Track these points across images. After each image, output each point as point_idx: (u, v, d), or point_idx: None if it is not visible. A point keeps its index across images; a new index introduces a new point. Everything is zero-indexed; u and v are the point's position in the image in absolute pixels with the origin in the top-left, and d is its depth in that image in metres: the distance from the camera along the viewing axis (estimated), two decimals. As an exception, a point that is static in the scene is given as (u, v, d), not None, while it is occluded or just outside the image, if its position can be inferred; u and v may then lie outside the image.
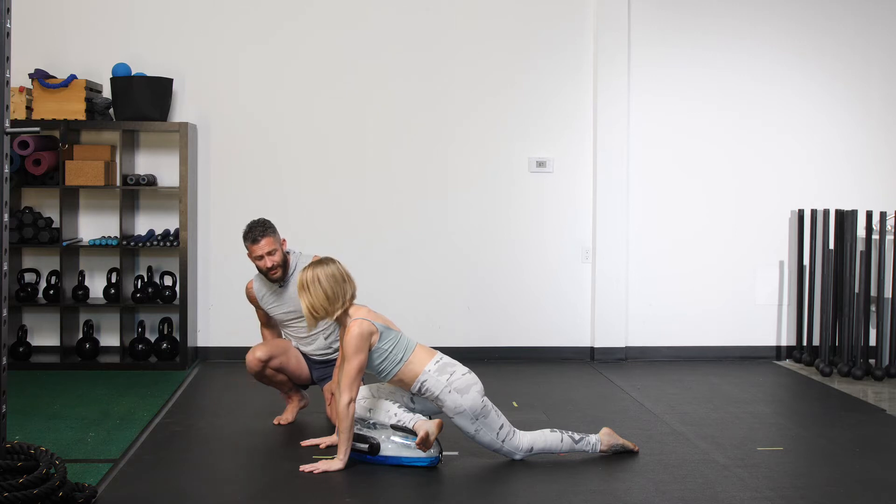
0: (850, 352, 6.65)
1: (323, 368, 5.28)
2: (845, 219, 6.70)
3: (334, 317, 4.44)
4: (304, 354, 5.29)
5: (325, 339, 5.23)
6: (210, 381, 6.37)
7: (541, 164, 7.11)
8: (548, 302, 7.15)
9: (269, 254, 5.06)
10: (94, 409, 5.58)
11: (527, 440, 4.56)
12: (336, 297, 4.41)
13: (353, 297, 4.46)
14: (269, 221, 5.14)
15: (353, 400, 4.34)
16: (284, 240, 5.20)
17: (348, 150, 7.03)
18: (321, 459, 4.45)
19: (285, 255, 5.15)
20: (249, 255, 5.13)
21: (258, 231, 5.07)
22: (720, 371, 6.81)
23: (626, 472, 4.46)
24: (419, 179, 7.06)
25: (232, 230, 6.92)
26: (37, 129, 4.03)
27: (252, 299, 5.28)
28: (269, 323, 5.34)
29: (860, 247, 6.70)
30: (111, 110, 6.79)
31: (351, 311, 4.46)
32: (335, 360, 5.24)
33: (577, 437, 4.62)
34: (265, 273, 5.11)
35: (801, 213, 7.15)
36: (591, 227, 7.14)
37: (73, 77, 6.58)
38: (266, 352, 5.16)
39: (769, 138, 7.25)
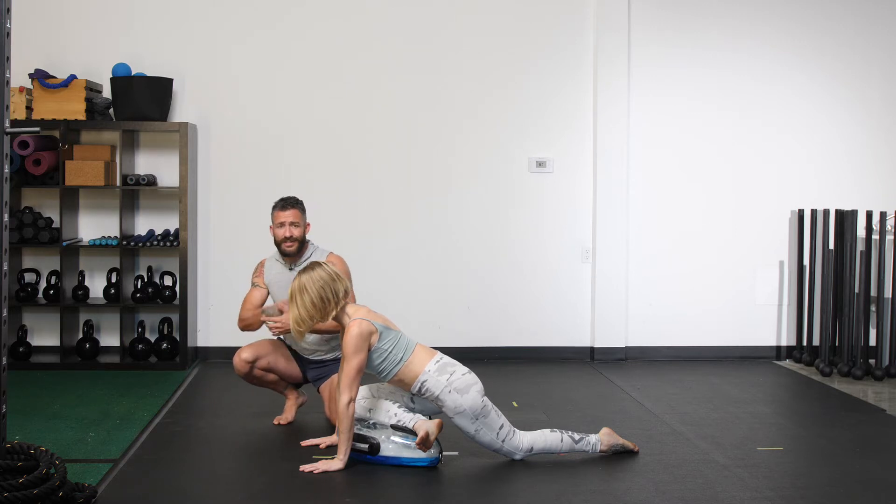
0: (850, 352, 6.65)
1: (318, 369, 5.27)
2: (845, 219, 6.70)
3: (331, 317, 4.43)
4: (298, 354, 5.27)
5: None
6: (210, 381, 6.38)
7: (541, 164, 7.11)
8: (548, 302, 7.15)
9: (292, 224, 5.10)
10: (94, 409, 5.58)
11: (527, 440, 4.56)
12: (328, 300, 4.40)
13: (346, 293, 4.45)
14: (302, 201, 5.21)
15: (352, 400, 4.34)
16: (309, 224, 5.23)
17: (348, 150, 7.03)
18: (321, 459, 4.45)
19: (304, 240, 5.18)
20: (273, 222, 5.15)
21: (290, 200, 5.16)
22: (720, 371, 6.81)
23: (626, 472, 4.47)
24: (419, 179, 7.06)
25: (232, 230, 6.94)
26: (37, 129, 4.03)
27: (259, 274, 5.24)
28: (257, 304, 5.21)
29: (860, 247, 6.70)
30: (111, 110, 6.79)
31: (350, 310, 4.46)
32: (329, 360, 5.23)
33: (577, 437, 4.62)
34: (280, 243, 5.13)
35: (801, 213, 7.15)
36: (591, 227, 7.14)
37: (73, 77, 6.58)
38: (252, 352, 5.15)
39: (769, 138, 7.25)
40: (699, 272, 7.23)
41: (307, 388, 5.55)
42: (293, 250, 5.13)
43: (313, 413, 5.41)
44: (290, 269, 5.15)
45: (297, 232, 5.12)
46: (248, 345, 5.21)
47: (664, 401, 5.89)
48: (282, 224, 5.11)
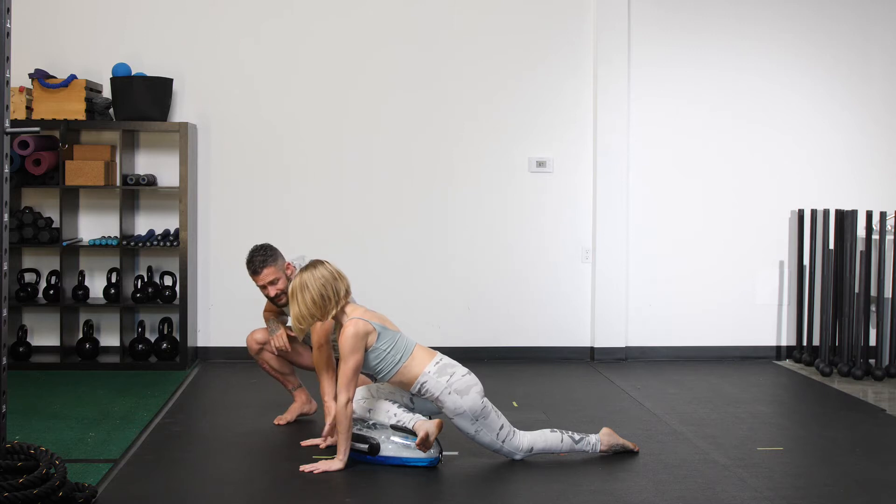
0: (850, 352, 6.65)
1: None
2: (845, 219, 6.70)
3: (330, 316, 4.43)
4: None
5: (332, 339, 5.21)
6: (210, 381, 6.38)
7: (541, 164, 7.11)
8: (548, 302, 7.15)
9: (272, 283, 5.00)
10: (94, 409, 5.58)
11: (527, 440, 4.56)
12: (329, 298, 4.38)
13: (347, 293, 4.44)
14: (270, 247, 5.04)
15: (350, 400, 4.34)
16: (289, 263, 5.08)
17: (349, 149, 7.03)
18: (321, 459, 4.45)
19: (290, 279, 5.02)
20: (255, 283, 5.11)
21: (258, 261, 4.99)
22: (720, 371, 6.81)
23: (626, 472, 4.47)
24: (420, 180, 7.06)
25: (232, 230, 6.94)
26: (37, 129, 4.03)
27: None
28: (274, 309, 5.21)
29: (860, 247, 6.70)
30: (111, 110, 6.79)
31: (348, 309, 4.45)
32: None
33: (577, 437, 4.62)
34: (271, 300, 5.09)
35: (801, 213, 7.15)
36: (591, 227, 7.14)
37: (73, 77, 6.58)
38: (265, 336, 5.16)
39: (769, 138, 7.25)
40: (699, 272, 7.23)
41: (315, 395, 5.50)
42: (285, 303, 5.01)
43: (313, 413, 5.40)
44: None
45: (281, 286, 5.00)
46: (264, 328, 5.21)
47: (664, 401, 5.89)
48: (263, 287, 5.03)
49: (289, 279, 5.02)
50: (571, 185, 7.15)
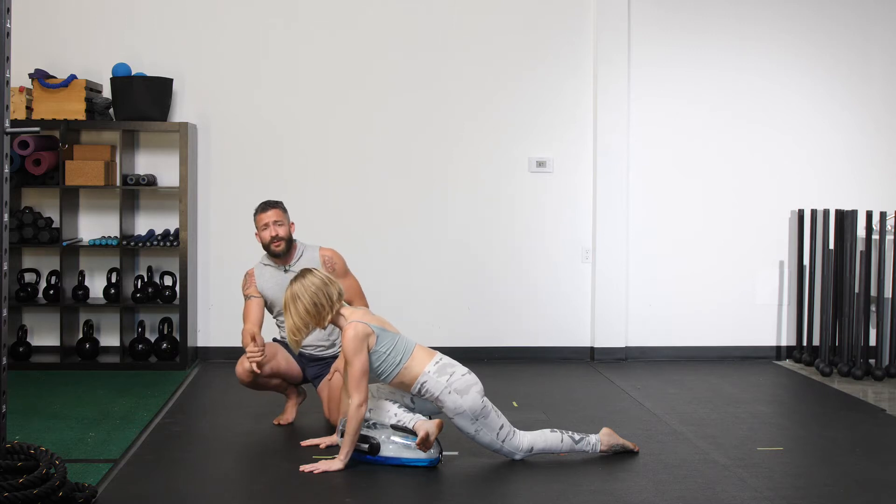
0: (850, 352, 6.65)
1: (317, 367, 5.26)
2: (845, 219, 6.70)
3: (327, 321, 4.43)
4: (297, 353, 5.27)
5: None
6: (210, 381, 6.38)
7: (541, 164, 7.11)
8: (548, 302, 7.15)
9: (276, 223, 5.12)
10: (94, 409, 5.58)
11: (527, 440, 4.56)
12: (322, 305, 4.40)
13: (340, 296, 4.45)
14: (281, 202, 5.25)
15: (364, 401, 4.33)
16: (293, 223, 5.25)
17: (349, 150, 7.03)
18: (321, 459, 4.45)
19: (292, 239, 5.19)
20: (256, 226, 5.18)
21: (269, 203, 5.19)
22: (720, 371, 6.81)
23: (626, 472, 4.47)
24: (420, 180, 7.06)
25: (232, 230, 6.94)
26: (37, 129, 4.03)
27: (249, 285, 5.18)
28: (256, 322, 5.12)
29: (860, 247, 6.70)
30: (111, 110, 6.80)
31: (346, 312, 4.45)
32: (328, 357, 5.24)
33: (577, 437, 4.62)
34: (268, 245, 5.13)
35: (801, 213, 7.15)
36: (591, 227, 7.14)
37: (73, 77, 6.58)
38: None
39: (769, 138, 7.25)
40: (699, 272, 7.23)
41: (305, 385, 5.54)
42: (282, 249, 5.12)
43: (313, 413, 5.41)
44: (286, 272, 5.14)
45: (282, 231, 5.12)
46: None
47: (664, 401, 5.89)
48: (266, 226, 5.13)
49: (290, 235, 5.17)
50: (571, 185, 7.15)
